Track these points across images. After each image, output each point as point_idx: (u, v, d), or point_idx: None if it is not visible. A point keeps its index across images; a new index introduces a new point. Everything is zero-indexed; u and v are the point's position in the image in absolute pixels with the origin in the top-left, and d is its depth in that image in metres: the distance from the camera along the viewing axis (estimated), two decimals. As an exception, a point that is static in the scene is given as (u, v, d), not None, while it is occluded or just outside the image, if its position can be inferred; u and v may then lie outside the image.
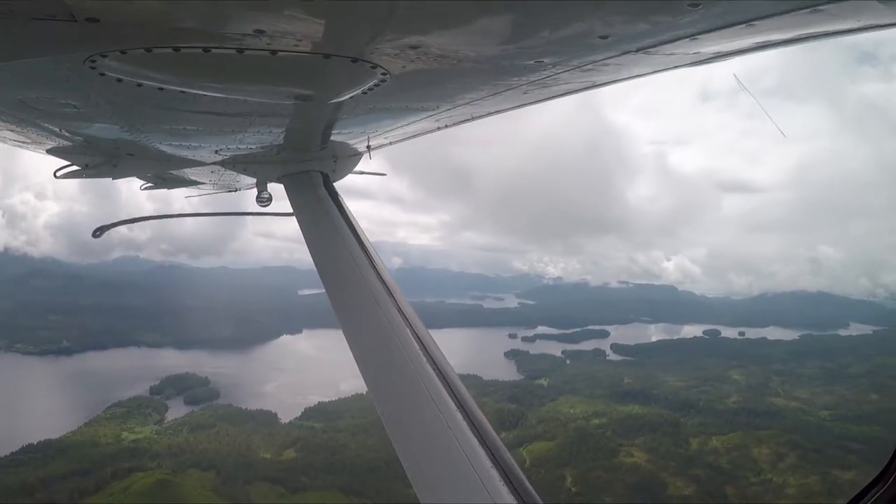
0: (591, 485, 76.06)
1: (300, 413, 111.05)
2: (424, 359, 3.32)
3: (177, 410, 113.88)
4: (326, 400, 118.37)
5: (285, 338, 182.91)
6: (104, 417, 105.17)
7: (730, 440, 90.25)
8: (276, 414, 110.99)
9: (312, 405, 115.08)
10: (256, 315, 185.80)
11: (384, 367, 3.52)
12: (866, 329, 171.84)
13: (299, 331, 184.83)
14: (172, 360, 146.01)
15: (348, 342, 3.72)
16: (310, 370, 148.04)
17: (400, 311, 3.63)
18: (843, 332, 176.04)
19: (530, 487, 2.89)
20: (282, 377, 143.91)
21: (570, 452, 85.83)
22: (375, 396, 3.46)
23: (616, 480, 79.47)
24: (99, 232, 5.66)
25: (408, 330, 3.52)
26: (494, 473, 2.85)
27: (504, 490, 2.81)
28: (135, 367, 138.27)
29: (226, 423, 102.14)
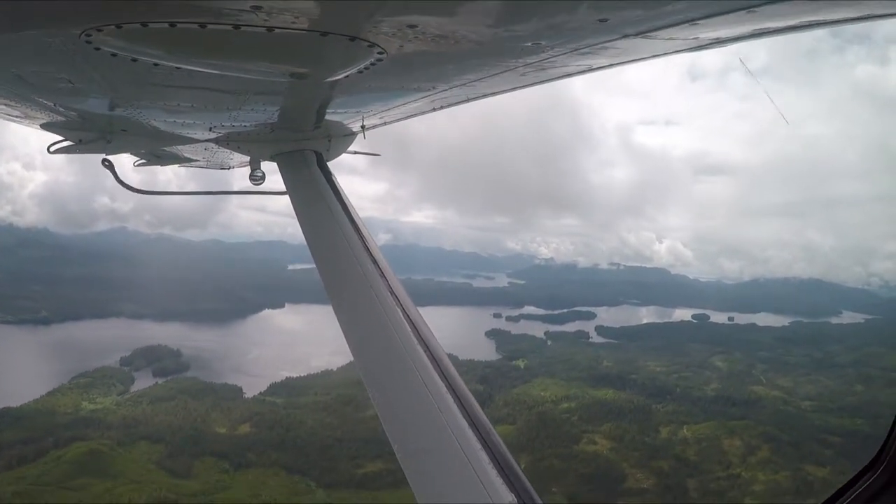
0: (542, 473, 71.13)
1: (265, 388, 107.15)
2: (416, 341, 3.21)
3: (144, 382, 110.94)
4: (294, 376, 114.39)
5: (266, 312, 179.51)
6: (68, 387, 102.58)
7: (701, 430, 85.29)
8: (241, 388, 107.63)
9: (279, 381, 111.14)
10: (242, 289, 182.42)
11: (375, 348, 3.43)
12: (858, 318, 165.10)
13: (282, 305, 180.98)
14: (149, 332, 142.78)
15: (339, 321, 3.60)
16: (285, 345, 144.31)
17: (391, 291, 3.52)
18: (834, 321, 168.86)
19: (518, 469, 2.79)
20: (256, 351, 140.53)
21: (529, 438, 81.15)
22: (367, 379, 3.34)
23: (570, 470, 74.72)
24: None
25: (399, 310, 3.41)
26: (484, 456, 2.77)
27: (493, 472, 2.73)
28: (110, 338, 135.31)
29: (186, 396, 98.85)
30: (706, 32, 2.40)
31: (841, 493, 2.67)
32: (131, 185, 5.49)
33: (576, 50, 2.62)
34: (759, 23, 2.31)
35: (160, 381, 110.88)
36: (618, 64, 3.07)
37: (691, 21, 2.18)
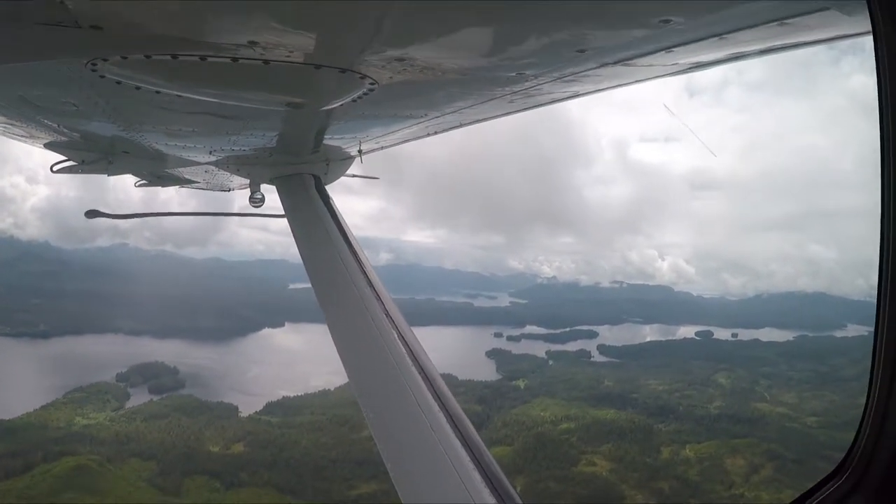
0: (539, 496, 69.22)
1: (261, 407, 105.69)
2: (410, 362, 3.22)
3: (139, 398, 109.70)
4: (292, 395, 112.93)
5: (267, 331, 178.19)
6: (62, 402, 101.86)
7: (704, 449, 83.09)
8: (236, 407, 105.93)
9: (275, 399, 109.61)
10: (242, 307, 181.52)
11: (370, 370, 3.43)
12: (863, 330, 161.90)
13: (282, 324, 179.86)
14: (147, 349, 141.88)
15: (335, 343, 3.60)
16: (284, 364, 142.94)
17: (387, 314, 3.53)
18: (839, 334, 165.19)
19: (510, 488, 2.82)
20: (254, 370, 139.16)
21: (526, 459, 79.12)
22: (361, 400, 3.34)
23: (567, 492, 72.67)
24: (91, 214, 5.27)
25: (394, 333, 3.42)
26: (476, 476, 2.77)
27: (486, 491, 2.74)
28: (108, 354, 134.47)
29: (181, 414, 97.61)
30: (684, 58, 2.50)
31: (805, 497, 2.60)
32: (128, 213, 5.67)
33: (559, 78, 2.74)
34: (733, 48, 2.43)
35: (155, 398, 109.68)
36: (603, 89, 3.17)
37: (667, 49, 2.29)
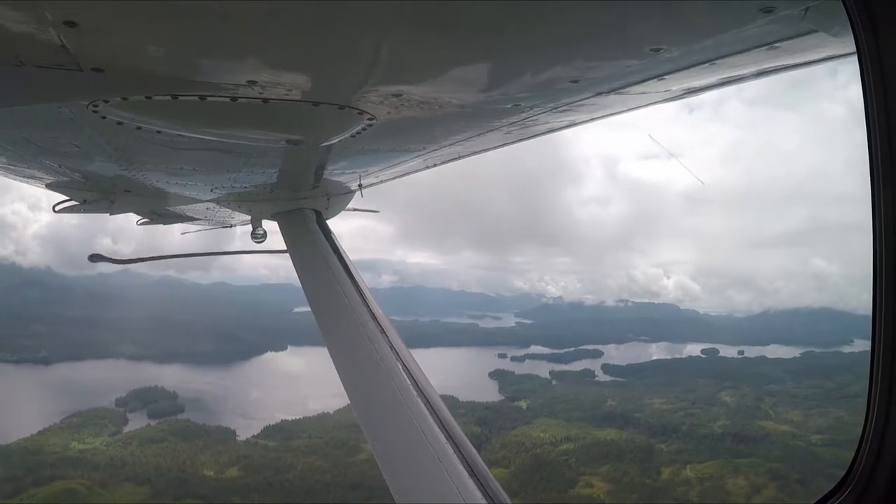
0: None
1: (259, 431, 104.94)
2: (415, 393, 3.23)
3: (137, 423, 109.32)
4: (290, 418, 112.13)
5: (269, 354, 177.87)
6: (59, 427, 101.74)
7: (705, 469, 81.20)
8: (234, 431, 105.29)
9: (274, 423, 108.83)
10: (245, 331, 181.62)
11: (376, 402, 3.41)
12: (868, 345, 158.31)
13: (284, 348, 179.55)
14: (148, 374, 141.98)
15: (340, 377, 3.60)
16: (285, 388, 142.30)
17: (391, 346, 3.55)
18: (846, 349, 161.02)
19: (499, 487, 2.95)
20: (255, 394, 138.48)
21: (522, 481, 77.65)
22: (366, 431, 3.37)
23: (562, 514, 71.05)
24: (95, 259, 5.44)
25: (399, 365, 3.44)
26: (470, 482, 2.86)
27: (477, 494, 2.83)
28: (108, 379, 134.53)
29: (177, 438, 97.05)
30: (676, 84, 2.55)
31: None
32: (132, 257, 5.76)
33: (555, 108, 2.79)
34: (725, 73, 2.46)
35: (153, 422, 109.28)
36: (598, 118, 3.19)
37: (658, 77, 2.33)
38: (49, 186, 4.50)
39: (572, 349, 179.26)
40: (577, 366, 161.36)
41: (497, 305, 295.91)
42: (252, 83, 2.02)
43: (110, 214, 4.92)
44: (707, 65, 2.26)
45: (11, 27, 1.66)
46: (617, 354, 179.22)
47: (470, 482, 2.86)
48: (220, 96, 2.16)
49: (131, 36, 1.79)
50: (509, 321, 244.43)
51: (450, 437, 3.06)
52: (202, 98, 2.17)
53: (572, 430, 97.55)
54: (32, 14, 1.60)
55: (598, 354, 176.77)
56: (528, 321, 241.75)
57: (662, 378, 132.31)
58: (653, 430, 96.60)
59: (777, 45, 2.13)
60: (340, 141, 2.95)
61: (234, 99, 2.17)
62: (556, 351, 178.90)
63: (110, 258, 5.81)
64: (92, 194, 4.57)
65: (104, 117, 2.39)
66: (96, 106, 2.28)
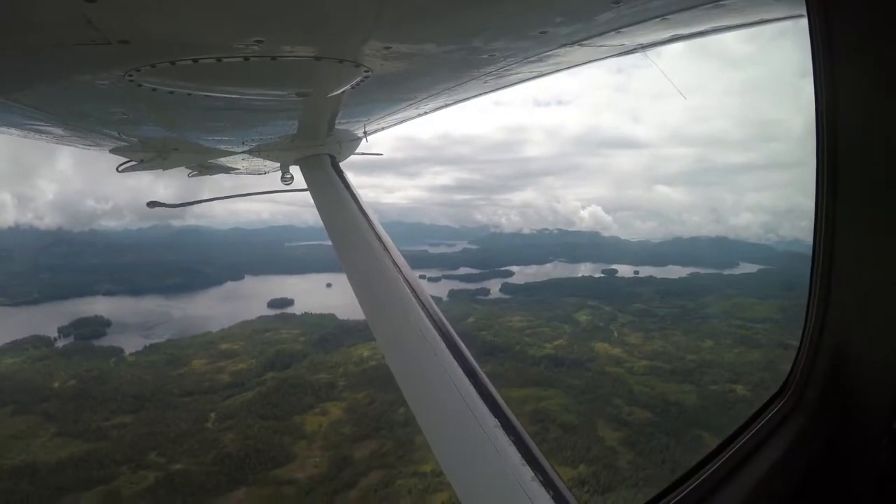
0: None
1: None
2: (414, 301, 3.01)
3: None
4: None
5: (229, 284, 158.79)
6: None
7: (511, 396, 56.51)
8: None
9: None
10: (209, 266, 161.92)
11: (382, 306, 3.22)
12: (753, 268, 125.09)
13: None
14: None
15: (353, 288, 3.39)
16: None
17: (394, 262, 3.37)
18: (730, 272, 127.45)
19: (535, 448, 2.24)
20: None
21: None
22: (379, 337, 3.12)
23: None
24: (153, 205, 5.12)
25: (400, 277, 3.26)
26: (490, 420, 2.35)
27: (506, 442, 2.29)
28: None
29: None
30: (630, 39, 2.42)
31: (753, 419, 2.41)
32: (183, 202, 5.08)
33: (525, 59, 2.63)
34: (674, 29, 2.31)
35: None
36: (563, 69, 3.05)
37: (616, 30, 2.23)
38: (112, 151, 4.16)
39: (487, 270, 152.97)
40: (487, 284, 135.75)
41: (459, 235, 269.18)
42: (260, 42, 1.90)
43: (164, 169, 4.50)
44: (659, 19, 2.11)
45: (46, 12, 1.58)
46: (529, 274, 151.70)
47: (459, 370, 2.44)
48: (234, 57, 1.99)
49: (146, 6, 1.65)
50: (462, 248, 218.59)
51: (442, 334, 2.65)
52: (219, 60, 2.00)
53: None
54: None
55: (510, 274, 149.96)
56: (474, 247, 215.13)
57: (541, 296, 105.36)
58: (482, 350, 71.79)
59: (722, 3, 2.01)
60: (343, 92, 2.71)
61: (246, 59, 2.01)
62: (472, 271, 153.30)
63: (166, 203, 5.18)
64: (147, 154, 4.24)
65: (140, 85, 2.20)
66: (131, 76, 2.09)
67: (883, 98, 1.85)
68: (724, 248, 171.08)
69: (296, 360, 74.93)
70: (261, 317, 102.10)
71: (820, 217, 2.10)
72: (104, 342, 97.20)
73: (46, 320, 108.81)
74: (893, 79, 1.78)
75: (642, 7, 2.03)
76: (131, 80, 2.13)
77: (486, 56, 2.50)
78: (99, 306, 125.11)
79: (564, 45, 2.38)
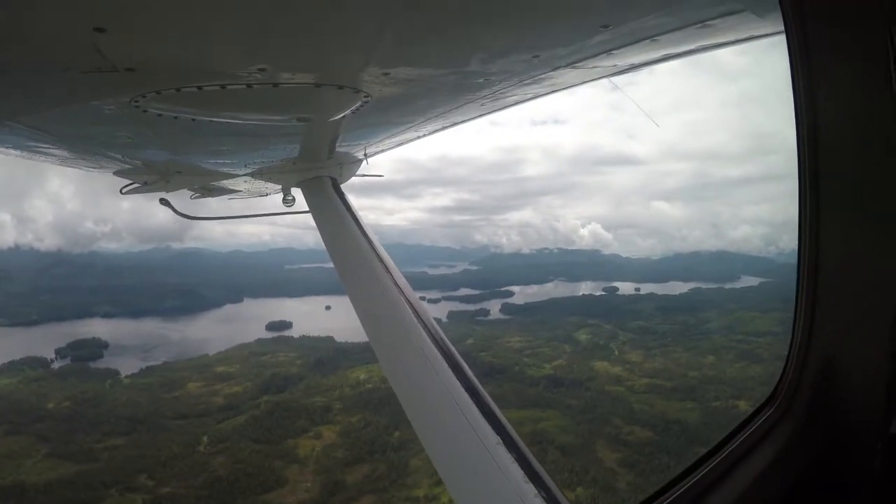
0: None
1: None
2: (416, 320, 3.06)
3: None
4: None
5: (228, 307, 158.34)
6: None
7: (511, 417, 54.83)
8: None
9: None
10: (208, 288, 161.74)
11: (384, 327, 3.28)
12: (754, 281, 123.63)
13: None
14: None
15: (355, 309, 3.43)
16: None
17: (395, 284, 3.42)
18: (731, 286, 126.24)
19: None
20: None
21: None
22: (379, 354, 3.17)
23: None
24: (164, 202, 4.97)
25: (402, 297, 3.30)
26: (481, 417, 2.47)
27: (504, 453, 2.35)
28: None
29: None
30: (622, 60, 2.44)
31: (741, 427, 2.40)
32: (187, 214, 5.06)
33: (520, 82, 2.64)
34: (664, 49, 2.35)
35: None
36: (559, 90, 3.07)
37: (608, 52, 2.25)
38: (116, 174, 4.18)
39: (487, 291, 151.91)
40: (487, 305, 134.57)
41: (459, 256, 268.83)
42: (262, 70, 1.95)
43: (167, 192, 4.55)
44: (648, 41, 2.15)
45: (57, 38, 1.61)
46: (530, 294, 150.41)
47: (457, 382, 2.49)
48: (237, 84, 2.04)
49: (154, 37, 1.70)
50: (462, 268, 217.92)
51: (443, 352, 2.69)
52: (223, 87, 2.05)
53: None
54: (71, 24, 1.54)
55: (510, 295, 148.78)
56: (475, 268, 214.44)
57: (540, 315, 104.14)
58: (480, 372, 70.25)
59: (709, 23, 2.07)
60: (344, 117, 2.74)
61: (249, 86, 2.05)
62: (472, 292, 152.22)
63: (174, 207, 5.06)
64: (151, 177, 4.27)
65: (145, 111, 2.25)
66: (137, 101, 2.14)
67: (862, 104, 1.89)
68: (725, 262, 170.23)
69: (291, 384, 73.77)
70: (258, 339, 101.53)
71: (804, 225, 2.11)
72: (101, 364, 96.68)
73: (44, 341, 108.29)
74: (871, 86, 1.83)
75: (631, 30, 2.06)
76: (137, 106, 2.16)
77: (481, 80, 2.54)
78: (97, 328, 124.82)
79: (558, 68, 2.41)
